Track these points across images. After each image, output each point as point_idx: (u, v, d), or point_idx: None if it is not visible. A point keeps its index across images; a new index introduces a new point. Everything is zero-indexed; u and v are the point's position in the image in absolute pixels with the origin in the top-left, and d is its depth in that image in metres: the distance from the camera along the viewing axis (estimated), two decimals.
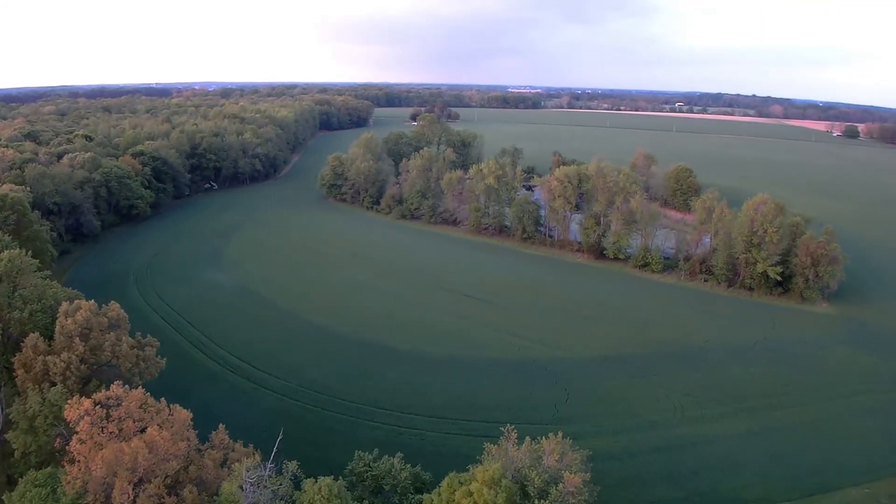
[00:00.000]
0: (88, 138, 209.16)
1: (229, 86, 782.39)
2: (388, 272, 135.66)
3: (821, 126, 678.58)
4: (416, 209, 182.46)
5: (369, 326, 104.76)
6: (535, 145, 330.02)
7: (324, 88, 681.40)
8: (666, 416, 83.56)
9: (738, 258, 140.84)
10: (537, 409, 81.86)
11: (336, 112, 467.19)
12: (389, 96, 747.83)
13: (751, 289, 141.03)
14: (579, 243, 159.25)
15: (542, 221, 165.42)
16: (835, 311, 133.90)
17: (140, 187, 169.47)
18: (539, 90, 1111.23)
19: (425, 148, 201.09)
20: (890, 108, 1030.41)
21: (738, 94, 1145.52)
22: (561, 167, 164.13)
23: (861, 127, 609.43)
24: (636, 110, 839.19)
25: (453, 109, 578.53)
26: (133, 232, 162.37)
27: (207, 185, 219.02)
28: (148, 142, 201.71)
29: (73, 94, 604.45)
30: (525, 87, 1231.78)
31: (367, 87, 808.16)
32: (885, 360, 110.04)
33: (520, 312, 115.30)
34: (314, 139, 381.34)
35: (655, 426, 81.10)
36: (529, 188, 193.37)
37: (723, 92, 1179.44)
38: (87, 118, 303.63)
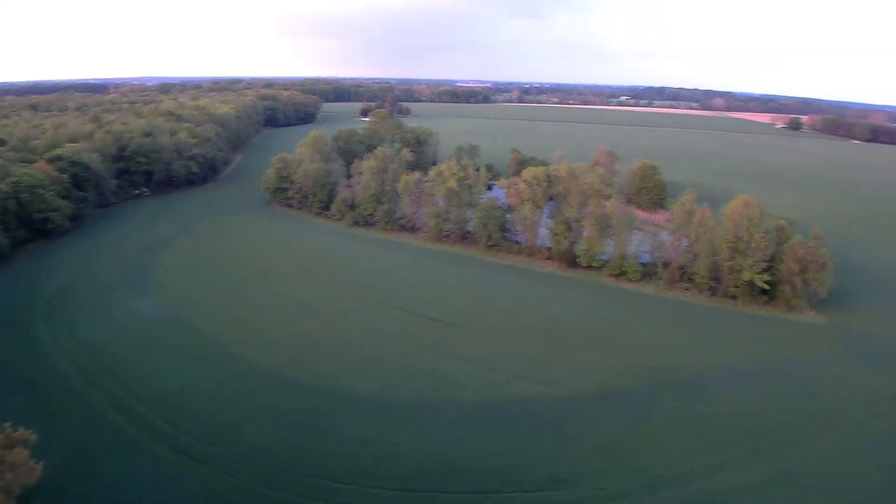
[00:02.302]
0: (1, 142, 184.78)
1: (170, 81, 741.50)
2: (341, 292, 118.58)
3: (764, 118, 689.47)
4: (370, 215, 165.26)
5: (322, 365, 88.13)
6: (490, 141, 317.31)
7: (269, 83, 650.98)
8: (676, 468, 70.62)
9: (721, 265, 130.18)
10: (529, 468, 67.59)
11: (282, 108, 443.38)
12: (338, 91, 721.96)
13: (734, 297, 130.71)
14: (549, 250, 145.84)
15: (508, 227, 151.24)
16: (824, 321, 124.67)
17: (56, 198, 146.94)
18: (488, 84, 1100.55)
19: (379, 147, 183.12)
20: (828, 100, 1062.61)
21: (681, 88, 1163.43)
22: (528, 168, 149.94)
23: (804, 119, 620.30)
24: (585, 104, 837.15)
25: (404, 104, 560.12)
26: (48, 249, 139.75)
27: (137, 192, 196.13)
28: (68, 144, 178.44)
29: (3, 91, 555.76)
30: (474, 81, 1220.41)
31: (314, 81, 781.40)
32: (888, 377, 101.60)
33: (494, 338, 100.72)
34: (258, 137, 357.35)
35: (667, 482, 67.97)
36: (488, 187, 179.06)
37: (666, 86, 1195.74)
38: (10, 118, 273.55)
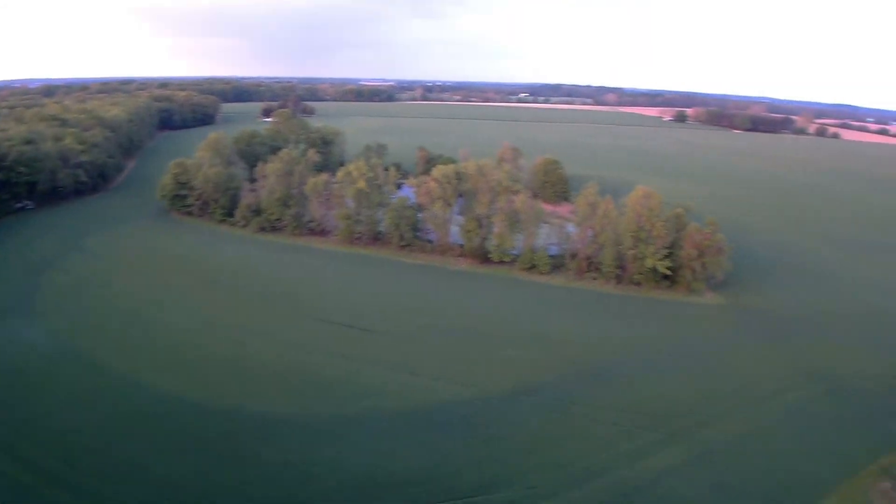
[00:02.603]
0: None
1: (55, 82, 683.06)
2: (249, 303, 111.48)
3: (653, 112, 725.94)
4: (277, 220, 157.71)
5: (233, 385, 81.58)
6: (397, 139, 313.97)
7: (164, 83, 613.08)
8: (601, 458, 71.02)
9: (625, 254, 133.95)
10: (458, 475, 65.68)
11: (178, 109, 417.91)
12: (238, 91, 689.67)
13: (638, 284, 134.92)
14: (461, 247, 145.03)
15: (419, 226, 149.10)
16: (722, 301, 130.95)
17: None
18: (392, 83, 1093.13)
19: (283, 149, 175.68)
20: (710, 94, 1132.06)
21: (576, 85, 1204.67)
22: (437, 166, 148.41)
23: (689, 111, 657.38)
24: (486, 101, 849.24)
25: (308, 104, 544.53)
26: None
27: (20, 205, 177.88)
28: None
29: None
30: (378, 80, 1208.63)
31: (212, 80, 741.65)
32: (786, 350, 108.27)
33: (412, 341, 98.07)
34: (153, 141, 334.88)
35: (593, 473, 68.15)
36: (398, 186, 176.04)
37: (561, 83, 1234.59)
38: None
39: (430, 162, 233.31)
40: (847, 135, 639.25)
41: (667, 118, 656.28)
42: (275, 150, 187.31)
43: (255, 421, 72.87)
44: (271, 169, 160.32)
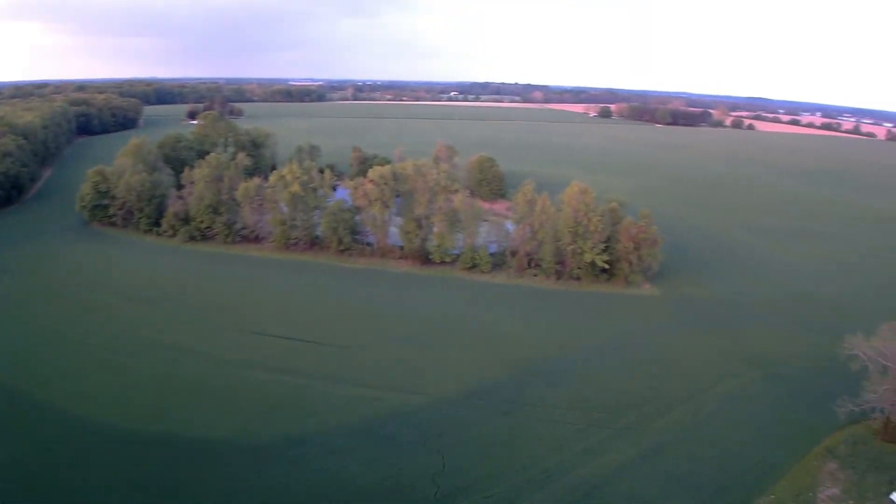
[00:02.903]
0: None
1: None
2: (181, 319, 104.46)
3: (578, 108, 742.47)
4: (207, 228, 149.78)
5: (169, 409, 75.64)
6: (330, 140, 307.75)
7: (81, 86, 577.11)
8: (556, 459, 69.89)
9: (564, 250, 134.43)
10: (414, 488, 63.00)
11: (97, 113, 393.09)
12: (161, 93, 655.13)
13: (578, 279, 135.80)
14: (401, 249, 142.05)
15: (358, 229, 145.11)
16: (659, 292, 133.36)
17: None
18: (322, 83, 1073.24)
19: (212, 153, 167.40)
20: (631, 90, 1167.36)
21: (503, 83, 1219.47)
22: (374, 167, 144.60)
23: (613, 107, 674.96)
24: (418, 100, 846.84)
25: (236, 105, 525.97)
26: None
27: None
28: None
29: None
30: (308, 79, 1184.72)
31: (133, 82, 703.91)
32: (723, 337, 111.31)
33: (358, 350, 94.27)
34: (71, 147, 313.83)
35: (551, 475, 66.80)
36: (333, 188, 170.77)
37: (490, 81, 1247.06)
38: None
39: (364, 162, 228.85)
40: (761, 126, 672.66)
41: (592, 114, 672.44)
42: (202, 154, 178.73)
43: (195, 446, 67.52)
44: (199, 174, 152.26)
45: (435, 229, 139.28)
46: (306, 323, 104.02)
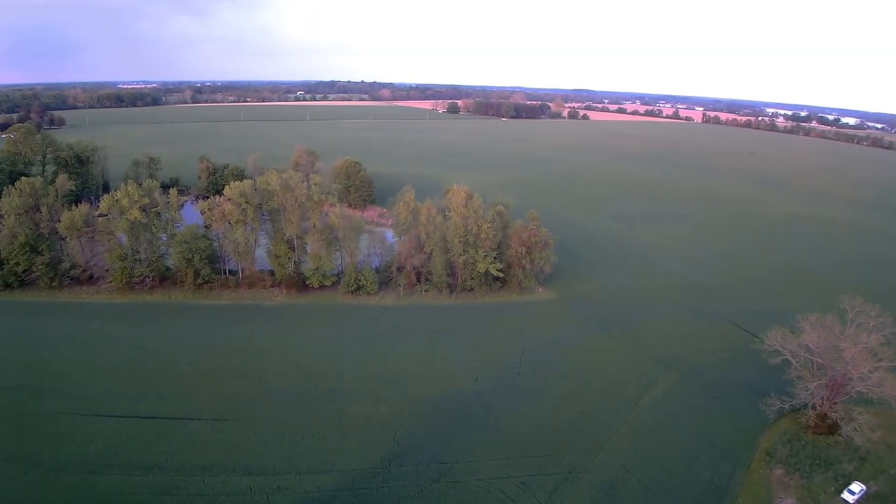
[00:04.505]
0: None
1: None
2: None
3: (427, 105, 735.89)
4: (25, 272, 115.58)
5: None
6: (170, 148, 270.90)
7: None
8: None
9: (455, 261, 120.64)
10: None
11: None
12: None
13: (471, 290, 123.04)
14: (272, 275, 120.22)
15: (218, 257, 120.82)
16: (554, 295, 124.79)
17: None
18: (155, 85, 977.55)
19: (25, 177, 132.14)
20: (473, 86, 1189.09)
21: (350, 81, 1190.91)
22: (232, 183, 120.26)
23: (460, 103, 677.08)
24: (263, 101, 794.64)
25: (55, 113, 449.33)
26: None
27: None
28: None
29: None
30: (139, 82, 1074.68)
31: None
32: (629, 337, 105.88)
33: (237, 422, 72.97)
34: None
35: None
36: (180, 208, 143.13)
37: (336, 79, 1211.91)
38: None
39: (215, 173, 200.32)
40: (594, 115, 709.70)
41: (441, 110, 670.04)
42: (14, 178, 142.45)
43: None
44: (9, 205, 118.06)
45: (310, 250, 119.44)
46: (163, 390, 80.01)
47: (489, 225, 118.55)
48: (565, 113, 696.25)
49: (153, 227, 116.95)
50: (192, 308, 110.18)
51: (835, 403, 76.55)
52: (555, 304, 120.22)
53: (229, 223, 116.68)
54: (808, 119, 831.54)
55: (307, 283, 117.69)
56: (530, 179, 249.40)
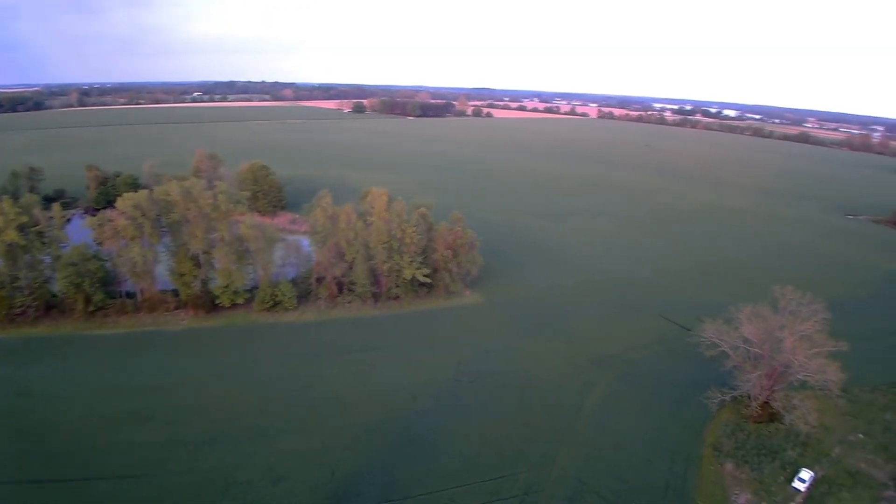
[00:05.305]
0: None
1: None
2: None
3: (331, 105, 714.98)
4: None
5: None
6: (54, 157, 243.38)
7: None
8: None
9: (379, 268, 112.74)
10: None
11: None
12: None
13: (397, 298, 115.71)
14: (176, 296, 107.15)
15: (112, 279, 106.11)
16: (481, 298, 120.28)
17: None
18: (38, 87, 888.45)
19: None
20: (375, 85, 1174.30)
21: (249, 81, 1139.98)
22: (125, 195, 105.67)
23: (365, 102, 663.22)
24: (157, 103, 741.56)
25: None
26: None
27: None
28: None
29: None
30: (20, 85, 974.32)
31: None
32: (560, 337, 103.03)
33: (152, 484, 60.65)
34: None
35: None
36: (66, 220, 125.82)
37: (235, 80, 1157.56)
38: None
39: (105, 183, 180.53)
40: (497, 113, 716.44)
41: (346, 110, 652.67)
42: None
43: None
44: None
45: (218, 265, 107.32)
46: (54, 445, 66.71)
47: (414, 229, 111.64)
48: (470, 111, 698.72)
49: (34, 248, 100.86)
50: (85, 340, 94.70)
51: (773, 392, 76.14)
52: (484, 308, 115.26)
53: (124, 240, 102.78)
54: (693, 112, 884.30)
55: (217, 302, 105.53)
56: (445, 179, 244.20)
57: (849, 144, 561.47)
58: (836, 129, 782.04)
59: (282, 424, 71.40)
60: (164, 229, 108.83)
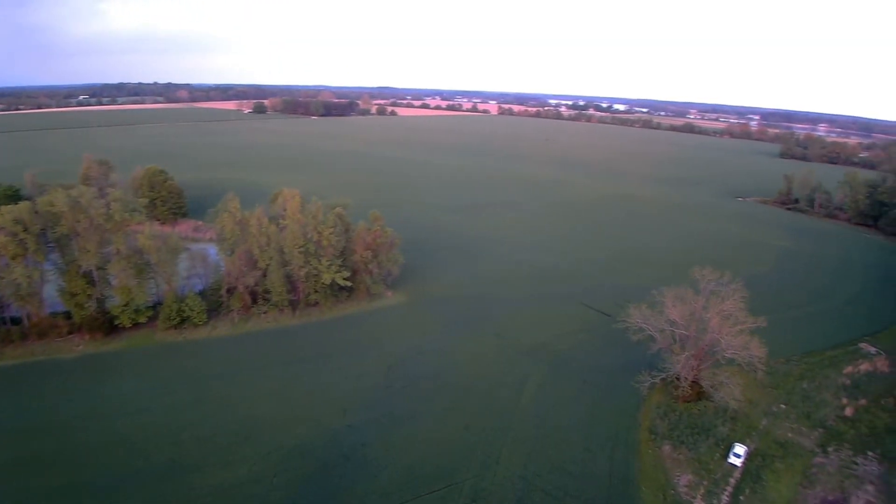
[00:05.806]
0: None
1: None
2: None
3: (230, 105, 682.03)
4: None
5: None
6: None
7: None
8: None
9: (296, 274, 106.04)
10: None
11: None
12: None
13: (316, 304, 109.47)
14: (69, 319, 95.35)
15: None
16: (404, 297, 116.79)
17: None
18: None
19: None
20: (274, 85, 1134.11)
21: (141, 83, 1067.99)
22: (4, 207, 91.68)
23: (267, 102, 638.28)
24: (40, 108, 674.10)
25: None
26: None
27: None
28: None
29: None
30: None
31: None
32: (488, 331, 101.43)
33: None
34: None
35: None
36: None
37: (124, 81, 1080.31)
38: None
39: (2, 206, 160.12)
40: (401, 111, 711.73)
41: (247, 110, 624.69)
42: None
43: None
44: None
45: (115, 282, 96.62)
46: None
47: (331, 230, 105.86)
48: (374, 109, 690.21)
49: None
50: None
51: (700, 371, 77.72)
52: (407, 308, 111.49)
53: (4, 259, 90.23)
54: (586, 108, 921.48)
55: (116, 322, 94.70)
56: (356, 178, 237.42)
57: (730, 133, 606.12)
58: (716, 119, 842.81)
59: (200, 456, 63.60)
60: (51, 245, 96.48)
